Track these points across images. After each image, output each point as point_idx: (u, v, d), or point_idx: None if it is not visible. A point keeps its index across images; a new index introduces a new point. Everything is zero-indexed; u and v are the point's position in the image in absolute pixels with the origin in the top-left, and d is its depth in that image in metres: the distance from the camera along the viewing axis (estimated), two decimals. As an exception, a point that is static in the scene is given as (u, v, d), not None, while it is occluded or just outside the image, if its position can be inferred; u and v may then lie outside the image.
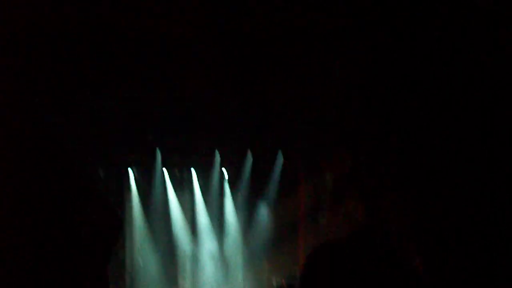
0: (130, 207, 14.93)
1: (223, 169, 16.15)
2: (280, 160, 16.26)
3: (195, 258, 16.06)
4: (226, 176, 16.23)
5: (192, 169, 15.68)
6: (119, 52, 9.94)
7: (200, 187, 15.84)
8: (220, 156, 15.62)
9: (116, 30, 8.95)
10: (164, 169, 15.10)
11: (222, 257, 16.33)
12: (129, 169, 14.83)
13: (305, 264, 1.10)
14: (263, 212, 16.63)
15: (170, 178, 15.29)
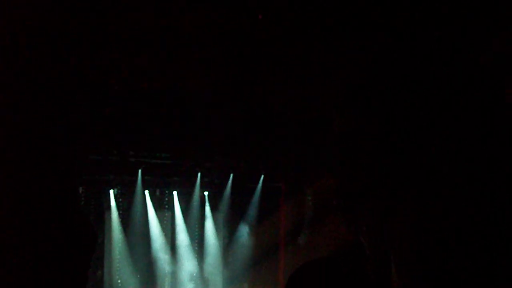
0: (110, 227, 14.88)
1: (205, 192, 16.20)
2: (261, 182, 16.36)
3: (174, 278, 15.99)
4: (207, 197, 16.27)
5: (174, 191, 15.70)
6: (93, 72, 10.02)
7: (181, 208, 15.84)
8: (202, 177, 15.66)
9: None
10: (146, 191, 15.09)
11: (202, 278, 16.28)
12: (110, 190, 14.80)
13: (287, 284, 1.15)
14: (244, 233, 16.67)
15: (150, 198, 15.28)
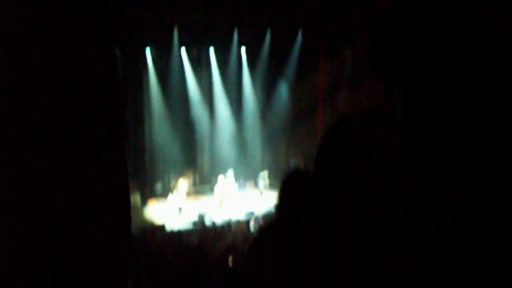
0: (148, 87, 14.66)
1: (242, 47, 15.60)
2: (299, 39, 15.67)
3: (213, 138, 16.12)
4: (245, 55, 15.73)
5: (211, 48, 15.13)
6: None
7: (218, 66, 15.43)
8: (239, 35, 14.98)
9: None
10: (182, 48, 14.56)
11: (240, 137, 16.39)
12: (146, 49, 14.30)
13: (323, 137, 1.03)
14: (282, 92, 16.41)
15: (188, 57, 14.81)
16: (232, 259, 7.92)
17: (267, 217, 11.42)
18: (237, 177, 15.41)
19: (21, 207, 1.00)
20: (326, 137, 1.10)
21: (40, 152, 0.99)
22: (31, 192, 1.00)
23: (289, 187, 2.25)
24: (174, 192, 13.90)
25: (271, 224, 1.21)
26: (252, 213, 12.96)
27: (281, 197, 2.24)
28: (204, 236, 10.18)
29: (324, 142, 1.09)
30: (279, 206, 2.29)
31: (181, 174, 15.16)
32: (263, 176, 15.17)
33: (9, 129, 0.99)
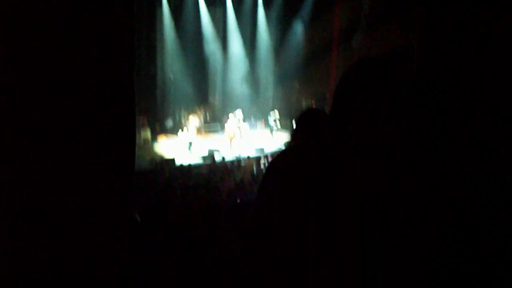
0: (161, 24, 14.45)
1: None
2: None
3: (225, 76, 16.00)
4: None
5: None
6: None
7: (233, 3, 15.12)
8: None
9: None
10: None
11: (253, 76, 16.26)
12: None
13: (342, 78, 1.06)
14: (297, 32, 16.13)
15: (202, -7, 14.54)
16: (241, 196, 7.98)
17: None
18: (248, 116, 15.40)
19: (21, 207, 1.00)
20: (345, 78, 1.08)
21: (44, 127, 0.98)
22: (31, 192, 1.00)
23: (306, 120, 2.25)
24: (185, 128, 13.94)
25: (285, 152, 1.16)
26: (262, 149, 13.02)
27: (298, 128, 2.24)
28: (213, 172, 10.27)
29: (342, 83, 1.08)
30: (294, 136, 2.30)
31: (192, 111, 15.15)
32: (274, 116, 15.12)
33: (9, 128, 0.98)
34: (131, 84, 1.16)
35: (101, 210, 1.14)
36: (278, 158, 1.17)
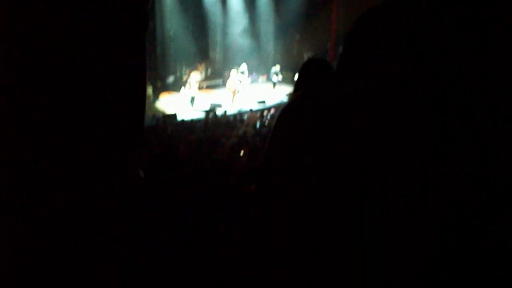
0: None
1: None
2: None
3: (226, 30, 15.80)
4: None
5: None
6: None
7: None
8: None
9: None
10: None
11: (253, 29, 16.04)
12: None
13: (354, 25, 1.05)
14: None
15: None
16: (244, 150, 7.99)
17: (279, 107, 11.42)
18: (250, 71, 15.28)
19: (21, 207, 0.98)
20: (354, 27, 1.05)
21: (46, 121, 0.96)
22: (31, 191, 0.98)
23: (308, 70, 2.22)
24: (186, 85, 13.87)
25: (285, 106, 1.12)
26: (263, 102, 12.99)
27: (300, 79, 2.21)
28: (215, 125, 10.27)
29: (352, 33, 1.05)
30: (296, 87, 2.26)
31: (193, 67, 15.05)
32: (276, 70, 15.01)
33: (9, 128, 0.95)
34: (143, 88, 1.14)
35: (101, 210, 1.13)
36: (279, 114, 1.14)
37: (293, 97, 1.27)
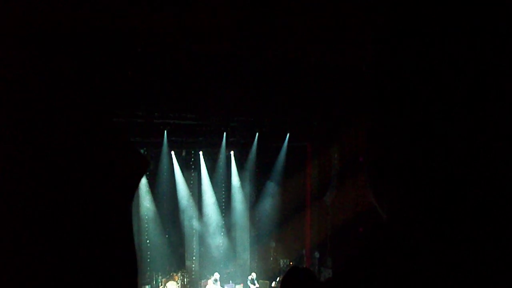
0: (137, 188, 14.75)
1: (231, 151, 16.00)
2: (287, 140, 16.11)
3: (202, 238, 16.01)
4: (233, 156, 16.08)
5: (200, 151, 15.50)
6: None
7: (207, 168, 15.70)
8: (227, 137, 15.43)
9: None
10: (172, 152, 14.92)
11: (229, 238, 16.30)
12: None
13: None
14: (270, 192, 16.56)
15: (177, 159, 15.11)
16: None
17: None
18: (226, 279, 15.16)
19: (21, 207, 1.07)
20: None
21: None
22: (31, 192, 1.07)
23: (291, 281, 2.30)
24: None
25: None
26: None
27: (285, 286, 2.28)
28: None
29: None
30: None
31: (169, 277, 14.90)
32: (252, 278, 14.92)
33: (8, 129, 1.09)
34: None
35: (101, 210, 1.18)
36: None
37: None
